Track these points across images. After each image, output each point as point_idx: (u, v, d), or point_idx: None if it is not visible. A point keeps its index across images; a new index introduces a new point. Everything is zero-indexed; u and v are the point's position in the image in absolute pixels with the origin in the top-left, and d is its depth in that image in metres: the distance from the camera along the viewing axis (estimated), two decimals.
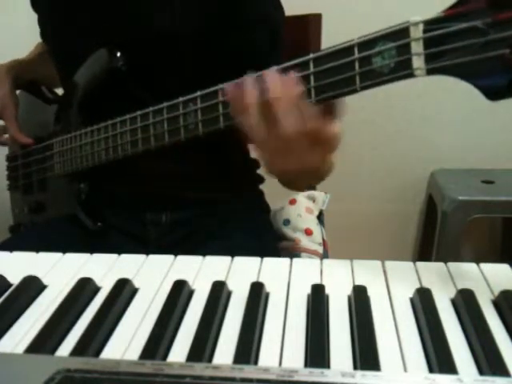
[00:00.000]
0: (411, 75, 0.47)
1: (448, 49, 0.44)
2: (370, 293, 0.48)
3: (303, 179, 0.66)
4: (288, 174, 0.59)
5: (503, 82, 0.41)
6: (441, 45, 0.44)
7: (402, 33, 0.46)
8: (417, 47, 0.46)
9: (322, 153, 0.56)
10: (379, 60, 0.48)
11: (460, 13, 0.43)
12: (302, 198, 1.01)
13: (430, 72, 0.46)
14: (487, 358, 0.39)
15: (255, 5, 0.77)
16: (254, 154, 0.86)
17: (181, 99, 0.64)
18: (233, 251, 0.58)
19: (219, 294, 0.48)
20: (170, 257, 0.58)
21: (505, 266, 0.52)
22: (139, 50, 0.77)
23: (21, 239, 0.90)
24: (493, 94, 0.42)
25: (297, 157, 0.55)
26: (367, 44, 0.49)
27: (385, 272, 0.52)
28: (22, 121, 0.94)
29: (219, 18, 0.76)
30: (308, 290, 0.49)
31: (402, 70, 0.47)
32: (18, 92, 0.94)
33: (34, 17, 0.90)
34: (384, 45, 0.47)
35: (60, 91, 0.94)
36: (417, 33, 0.45)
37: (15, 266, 0.57)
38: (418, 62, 0.46)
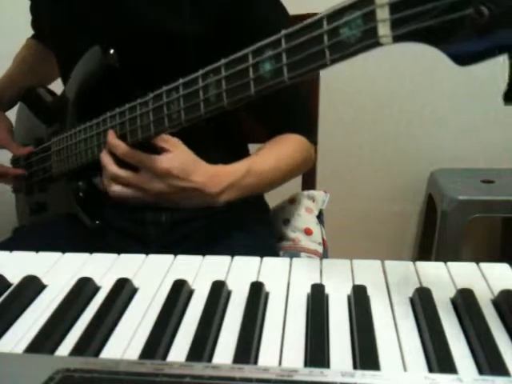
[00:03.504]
0: (377, 44, 0.44)
1: (413, 13, 0.42)
2: (370, 293, 0.48)
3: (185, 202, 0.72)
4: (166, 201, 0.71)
5: (471, 45, 0.40)
6: (406, 9, 0.42)
7: (367, 0, 0.44)
8: (382, 13, 0.43)
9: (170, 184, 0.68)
10: (347, 31, 0.46)
11: None
12: (301, 197, 1.01)
13: (397, 39, 0.43)
14: (487, 358, 0.39)
15: (254, 8, 0.77)
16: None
17: (164, 88, 0.64)
18: (232, 251, 0.58)
19: (219, 293, 0.48)
20: (170, 257, 0.58)
21: (504, 266, 0.52)
22: (139, 49, 0.77)
23: (21, 239, 0.90)
24: (461, 58, 0.41)
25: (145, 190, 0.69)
26: (335, 15, 0.47)
27: (384, 272, 0.52)
28: (24, 125, 0.96)
29: (219, 21, 0.76)
30: (308, 290, 0.49)
31: (368, 38, 0.45)
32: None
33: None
34: (351, 14, 0.45)
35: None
36: None
37: (15, 265, 0.57)
38: (383, 29, 0.43)
